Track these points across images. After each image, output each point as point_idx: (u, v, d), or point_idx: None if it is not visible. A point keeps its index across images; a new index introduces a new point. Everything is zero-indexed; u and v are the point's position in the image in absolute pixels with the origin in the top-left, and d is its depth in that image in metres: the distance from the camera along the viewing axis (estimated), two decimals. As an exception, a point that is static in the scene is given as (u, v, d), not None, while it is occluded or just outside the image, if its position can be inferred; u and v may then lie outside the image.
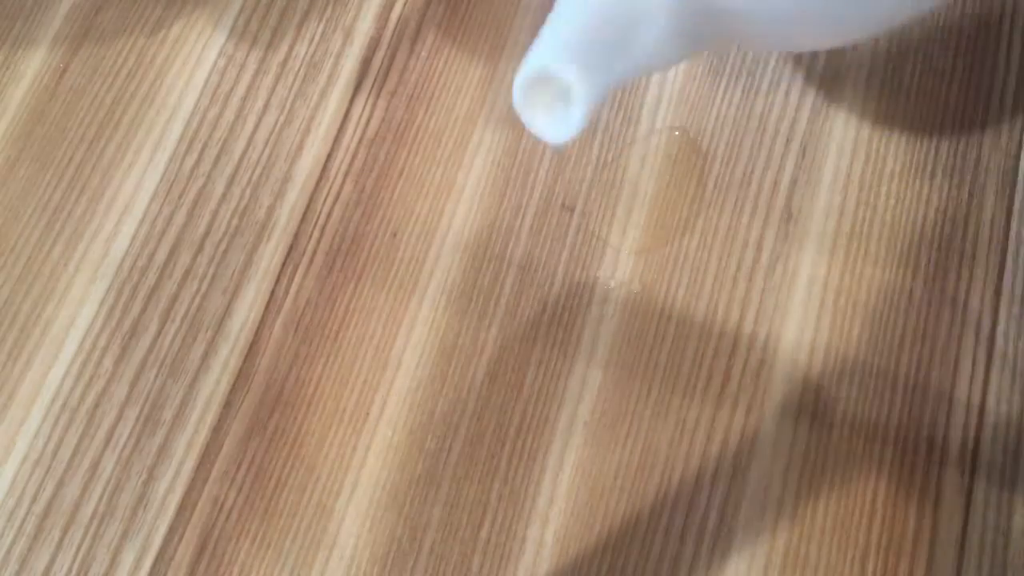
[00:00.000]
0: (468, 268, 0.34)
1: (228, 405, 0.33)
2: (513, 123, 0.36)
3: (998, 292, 0.33)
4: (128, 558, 0.32)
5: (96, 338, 0.34)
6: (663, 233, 0.35)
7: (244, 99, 0.37)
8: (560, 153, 0.36)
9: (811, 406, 0.32)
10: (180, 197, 0.36)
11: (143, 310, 0.35)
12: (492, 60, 0.37)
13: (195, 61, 0.38)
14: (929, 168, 0.35)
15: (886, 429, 0.32)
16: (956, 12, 0.37)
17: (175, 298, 0.35)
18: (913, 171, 0.35)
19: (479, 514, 0.32)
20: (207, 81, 0.38)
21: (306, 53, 0.38)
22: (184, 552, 0.32)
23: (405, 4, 0.38)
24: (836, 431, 0.32)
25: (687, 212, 0.35)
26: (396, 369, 0.33)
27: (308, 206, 0.36)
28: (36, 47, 0.39)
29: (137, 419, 0.33)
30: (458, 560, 0.31)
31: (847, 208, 0.34)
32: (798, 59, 0.36)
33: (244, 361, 0.34)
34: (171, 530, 0.32)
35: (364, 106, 0.37)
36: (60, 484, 0.33)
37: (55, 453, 0.33)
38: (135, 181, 0.37)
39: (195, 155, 0.37)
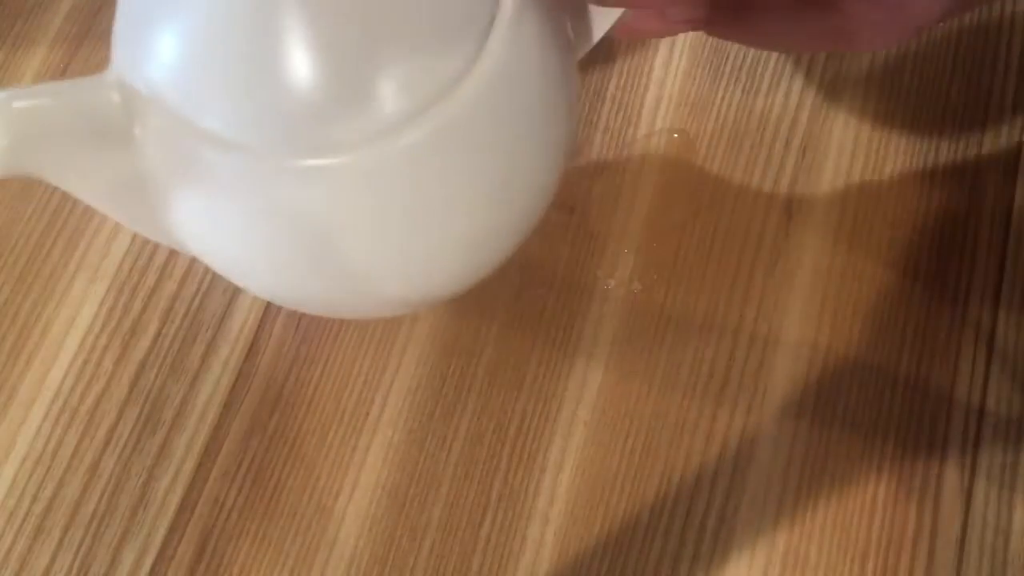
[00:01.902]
0: (468, 268, 0.34)
1: (228, 405, 0.33)
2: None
3: (998, 292, 0.33)
4: (128, 558, 0.32)
5: (96, 338, 0.34)
6: (663, 233, 0.35)
7: (244, 99, 0.37)
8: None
9: (811, 406, 0.32)
10: (180, 197, 0.36)
11: (143, 310, 0.35)
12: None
13: (195, 61, 0.38)
14: (929, 168, 0.35)
15: (886, 429, 0.32)
16: (956, 12, 0.37)
17: (175, 298, 0.35)
18: (913, 171, 0.35)
19: (479, 514, 0.32)
20: (207, 81, 0.38)
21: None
22: (184, 552, 0.32)
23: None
24: (836, 431, 0.32)
25: (687, 212, 0.35)
26: (396, 369, 0.33)
27: (308, 206, 0.36)
28: (37, 47, 0.39)
29: (137, 419, 0.33)
30: (458, 560, 0.31)
31: (847, 208, 0.34)
32: (798, 59, 0.37)
33: (244, 361, 0.34)
34: (171, 530, 0.32)
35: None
36: (60, 484, 0.33)
37: (55, 453, 0.33)
38: (135, 181, 0.37)
39: (195, 155, 0.37)
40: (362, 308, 0.29)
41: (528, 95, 0.25)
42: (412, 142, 0.23)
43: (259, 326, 0.34)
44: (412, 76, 0.22)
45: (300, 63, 0.22)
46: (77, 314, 0.35)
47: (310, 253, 0.25)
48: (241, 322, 0.34)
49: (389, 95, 0.22)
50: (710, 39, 0.37)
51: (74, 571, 0.31)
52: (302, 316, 0.34)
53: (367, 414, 0.33)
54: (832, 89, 0.36)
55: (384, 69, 0.22)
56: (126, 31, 0.24)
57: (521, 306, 0.34)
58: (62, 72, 0.39)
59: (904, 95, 0.36)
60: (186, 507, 0.32)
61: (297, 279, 0.26)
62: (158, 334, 0.34)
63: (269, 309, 0.34)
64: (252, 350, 0.34)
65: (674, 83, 0.37)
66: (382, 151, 0.23)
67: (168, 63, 0.23)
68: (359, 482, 0.32)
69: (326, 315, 0.33)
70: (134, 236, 0.36)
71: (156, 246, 0.36)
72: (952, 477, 0.31)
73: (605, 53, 0.37)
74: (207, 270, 0.35)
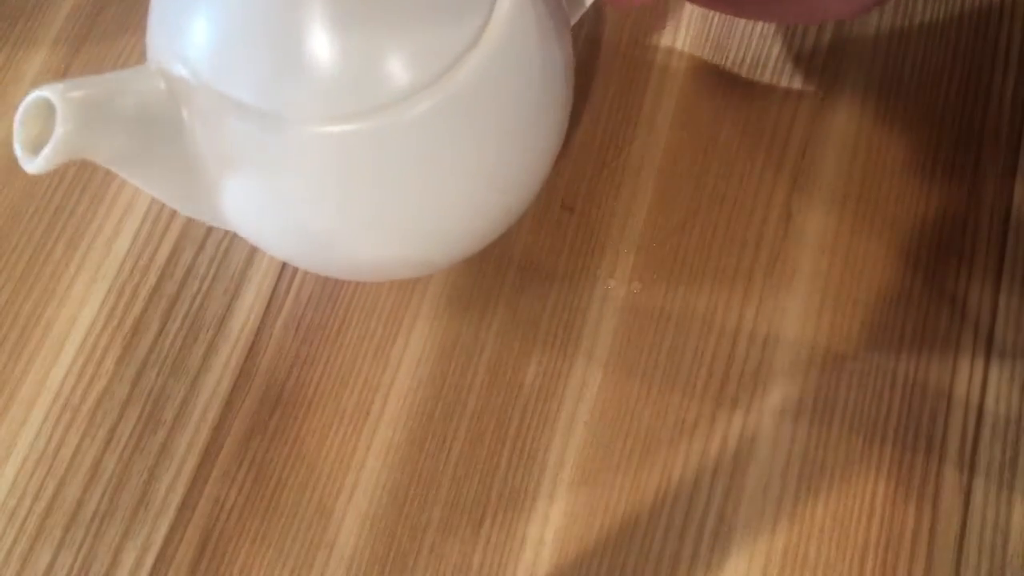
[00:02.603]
0: (468, 267, 0.34)
1: (229, 405, 0.33)
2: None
3: (996, 290, 0.33)
4: (129, 557, 0.32)
5: (97, 338, 0.34)
6: (663, 232, 0.35)
7: (245, 100, 0.37)
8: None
9: (811, 406, 0.32)
10: (181, 197, 0.36)
11: (144, 310, 0.35)
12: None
13: (196, 62, 0.38)
14: (928, 167, 0.35)
15: (885, 428, 0.32)
16: (956, 11, 0.37)
17: (176, 298, 0.35)
18: (912, 170, 0.35)
19: (479, 514, 0.32)
20: (208, 82, 0.38)
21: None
22: (185, 551, 0.32)
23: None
24: (836, 431, 0.32)
25: (687, 211, 0.35)
26: (396, 369, 0.33)
27: (308, 206, 0.36)
28: (37, 47, 0.39)
29: (138, 419, 0.33)
30: (458, 560, 0.31)
31: (846, 207, 0.34)
32: (798, 59, 0.37)
33: (245, 361, 0.34)
34: (172, 529, 0.32)
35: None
36: (61, 484, 0.33)
37: (56, 453, 0.33)
38: (136, 181, 0.37)
39: (196, 155, 0.37)
40: (378, 267, 0.31)
41: (529, 65, 0.27)
42: (424, 110, 0.25)
43: (260, 326, 0.34)
44: (423, 50, 0.25)
45: (321, 41, 0.24)
46: (78, 314, 0.35)
47: (334, 212, 0.27)
48: (242, 322, 0.34)
49: (402, 67, 0.25)
50: (710, 40, 0.37)
51: (75, 570, 0.32)
52: (303, 316, 0.34)
53: (367, 414, 0.33)
54: (832, 89, 0.36)
55: (397, 44, 0.24)
56: (161, 24, 0.26)
57: (521, 306, 0.34)
58: (63, 73, 0.39)
59: (904, 95, 0.36)
60: (187, 507, 0.32)
61: (324, 239, 0.28)
62: (159, 334, 0.34)
63: (270, 310, 0.35)
64: (253, 350, 0.34)
65: (674, 83, 0.37)
66: (397, 118, 0.25)
67: (205, 49, 0.25)
68: (359, 482, 0.32)
69: (347, 277, 0.34)
70: (135, 236, 0.36)
71: (157, 246, 0.36)
72: (951, 476, 0.31)
73: (605, 53, 0.37)
74: (208, 270, 0.35)
